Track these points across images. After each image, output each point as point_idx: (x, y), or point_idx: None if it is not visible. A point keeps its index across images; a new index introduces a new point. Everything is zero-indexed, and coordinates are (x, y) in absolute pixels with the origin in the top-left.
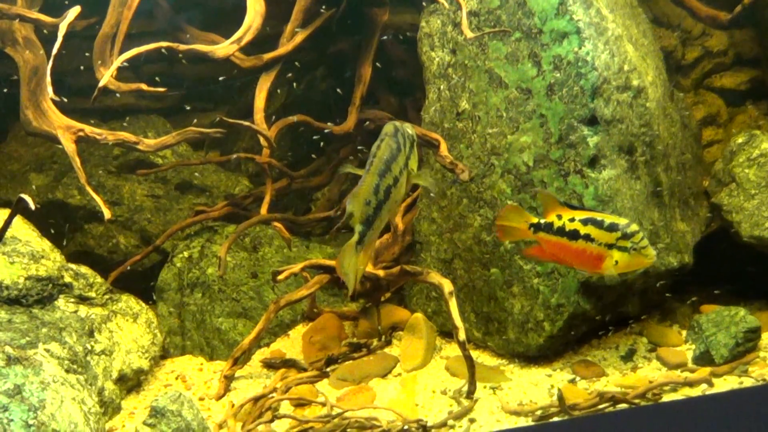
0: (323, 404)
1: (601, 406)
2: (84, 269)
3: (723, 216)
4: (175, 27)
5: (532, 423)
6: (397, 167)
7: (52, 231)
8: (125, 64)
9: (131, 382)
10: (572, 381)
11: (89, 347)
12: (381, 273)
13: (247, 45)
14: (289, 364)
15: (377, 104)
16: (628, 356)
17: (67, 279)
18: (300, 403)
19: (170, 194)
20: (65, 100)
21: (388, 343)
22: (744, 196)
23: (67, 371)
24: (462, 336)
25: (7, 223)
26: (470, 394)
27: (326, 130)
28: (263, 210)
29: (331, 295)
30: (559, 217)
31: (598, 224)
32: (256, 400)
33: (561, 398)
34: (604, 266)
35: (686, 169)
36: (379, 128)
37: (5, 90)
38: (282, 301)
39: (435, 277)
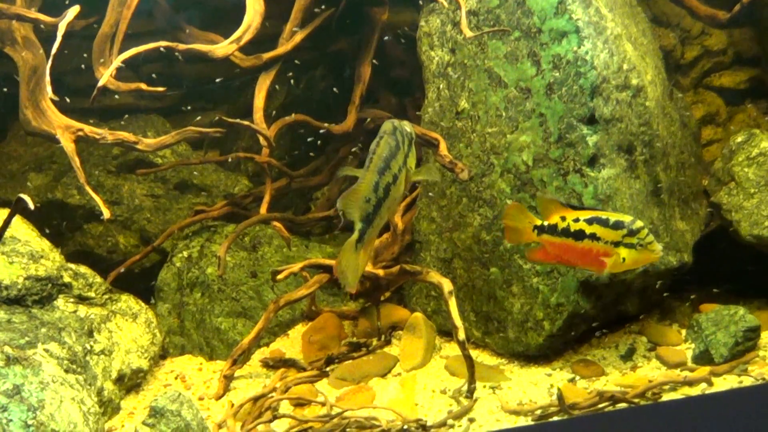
0: (323, 404)
1: (600, 406)
2: (83, 269)
3: (722, 215)
4: (174, 26)
5: (532, 422)
6: (396, 165)
7: (47, 231)
8: (122, 64)
9: (130, 382)
10: (572, 380)
11: (88, 347)
12: (380, 272)
13: (247, 44)
14: (289, 363)
15: (377, 103)
16: (628, 355)
17: (67, 279)
18: (299, 403)
19: (170, 194)
20: (68, 100)
21: (388, 342)
22: (743, 195)
23: (67, 371)
24: (461, 335)
25: (7, 222)
26: (470, 393)
27: (321, 131)
28: (263, 209)
29: (331, 294)
30: (563, 218)
31: (603, 222)
32: (255, 399)
33: (560, 397)
34: (610, 264)
35: (685, 168)
36: (379, 127)
37: (4, 90)
38: (281, 301)
39: (434, 277)
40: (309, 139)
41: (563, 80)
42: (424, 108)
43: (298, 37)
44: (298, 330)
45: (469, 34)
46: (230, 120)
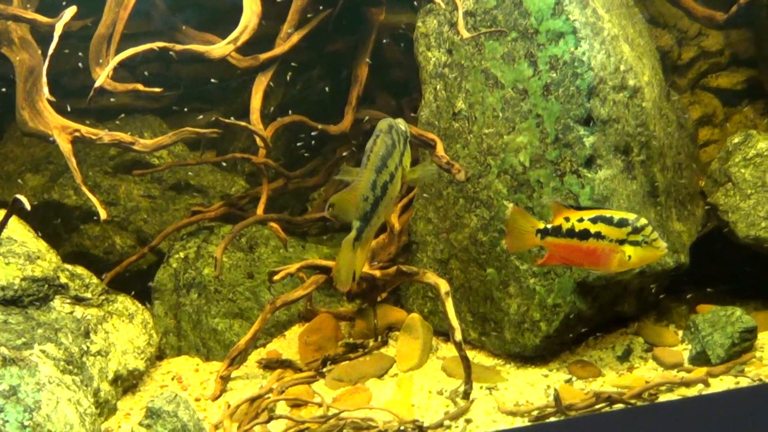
0: (319, 405)
1: (597, 407)
2: (80, 270)
3: (719, 216)
4: (171, 27)
5: (529, 423)
6: (393, 163)
7: (39, 234)
8: (118, 66)
9: (127, 383)
10: (569, 381)
11: (85, 348)
12: (377, 273)
13: (244, 45)
14: (286, 364)
15: (374, 104)
16: (625, 356)
17: (63, 280)
18: (296, 404)
19: (166, 194)
20: (69, 103)
21: (385, 343)
22: (740, 196)
23: (63, 372)
24: (458, 336)
25: (3, 223)
26: (466, 394)
27: (314, 133)
28: (259, 210)
29: (328, 295)
30: (567, 219)
31: (608, 221)
32: (252, 400)
33: (557, 398)
34: (615, 263)
35: (682, 169)
36: (374, 128)
37: (1, 90)
38: (278, 302)
39: (431, 278)
40: (306, 140)
41: (560, 81)
42: (420, 109)
43: (296, 38)
44: (295, 331)
45: (466, 35)
46: (227, 121)
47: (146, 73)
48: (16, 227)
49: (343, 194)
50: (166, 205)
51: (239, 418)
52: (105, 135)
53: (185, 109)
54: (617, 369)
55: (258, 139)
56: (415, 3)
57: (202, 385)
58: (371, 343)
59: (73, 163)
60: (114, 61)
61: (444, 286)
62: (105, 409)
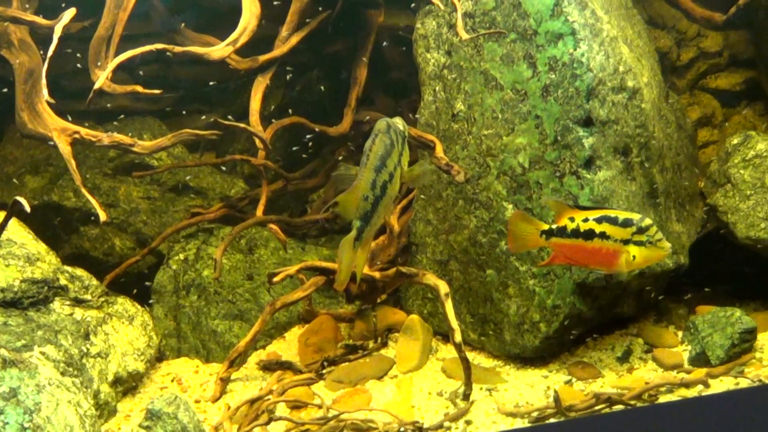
0: (319, 406)
1: (597, 408)
2: (79, 272)
3: (718, 217)
4: (170, 29)
5: (529, 425)
6: (391, 163)
7: (44, 233)
8: (117, 68)
9: (127, 385)
10: (568, 382)
11: (85, 350)
12: (377, 275)
13: (243, 47)
14: (285, 366)
15: (373, 105)
16: (624, 357)
17: (63, 281)
18: (296, 406)
19: (166, 196)
20: (68, 105)
21: (384, 344)
22: (739, 196)
23: (63, 374)
24: (458, 338)
25: (3, 225)
26: (466, 395)
27: (309, 136)
28: (259, 212)
29: (327, 297)
30: (572, 219)
31: (613, 221)
32: (252, 402)
33: (557, 399)
34: (620, 263)
35: (681, 170)
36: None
37: (1, 92)
38: (278, 303)
39: (431, 279)
40: (304, 142)
41: (559, 82)
42: (420, 110)
43: (294, 40)
44: (295, 332)
45: (465, 36)
46: (226, 122)
47: (141, 73)
48: (16, 229)
49: (347, 194)
50: (166, 206)
51: (239, 420)
52: (104, 137)
53: (184, 111)
54: (617, 370)
55: (257, 141)
56: (413, 5)
57: (201, 386)
58: (371, 344)
59: (72, 164)
60: (113, 62)
61: (443, 287)
62: (105, 410)
